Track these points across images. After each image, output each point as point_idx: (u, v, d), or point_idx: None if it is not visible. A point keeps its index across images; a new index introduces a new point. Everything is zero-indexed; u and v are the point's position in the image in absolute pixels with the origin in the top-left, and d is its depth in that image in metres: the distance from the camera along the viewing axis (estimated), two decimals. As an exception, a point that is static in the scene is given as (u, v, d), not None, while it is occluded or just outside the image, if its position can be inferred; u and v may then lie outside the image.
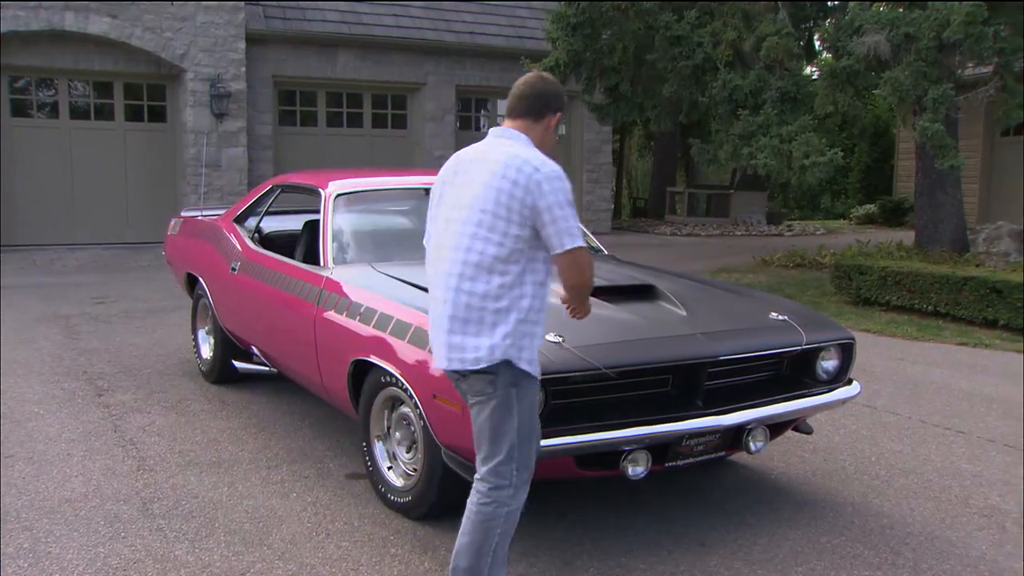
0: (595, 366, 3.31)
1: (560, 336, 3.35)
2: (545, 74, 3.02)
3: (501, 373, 2.76)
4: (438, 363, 2.91)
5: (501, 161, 2.77)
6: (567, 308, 2.97)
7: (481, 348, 2.74)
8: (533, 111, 2.92)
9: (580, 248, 2.77)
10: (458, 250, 2.79)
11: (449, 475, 3.55)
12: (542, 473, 3.07)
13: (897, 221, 18.57)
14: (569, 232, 2.73)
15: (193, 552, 3.54)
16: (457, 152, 3.01)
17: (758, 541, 3.72)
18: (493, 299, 2.74)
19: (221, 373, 5.92)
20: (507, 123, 2.95)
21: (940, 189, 11.29)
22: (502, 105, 17.51)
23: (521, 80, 2.97)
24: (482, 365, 2.74)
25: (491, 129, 2.96)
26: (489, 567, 2.84)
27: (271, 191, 5.84)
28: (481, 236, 2.75)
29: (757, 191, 19.44)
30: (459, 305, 2.77)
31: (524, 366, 2.77)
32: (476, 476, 2.87)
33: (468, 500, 2.88)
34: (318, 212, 4.97)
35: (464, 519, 2.87)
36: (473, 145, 2.97)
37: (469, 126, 17.30)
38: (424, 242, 3.08)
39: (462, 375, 2.84)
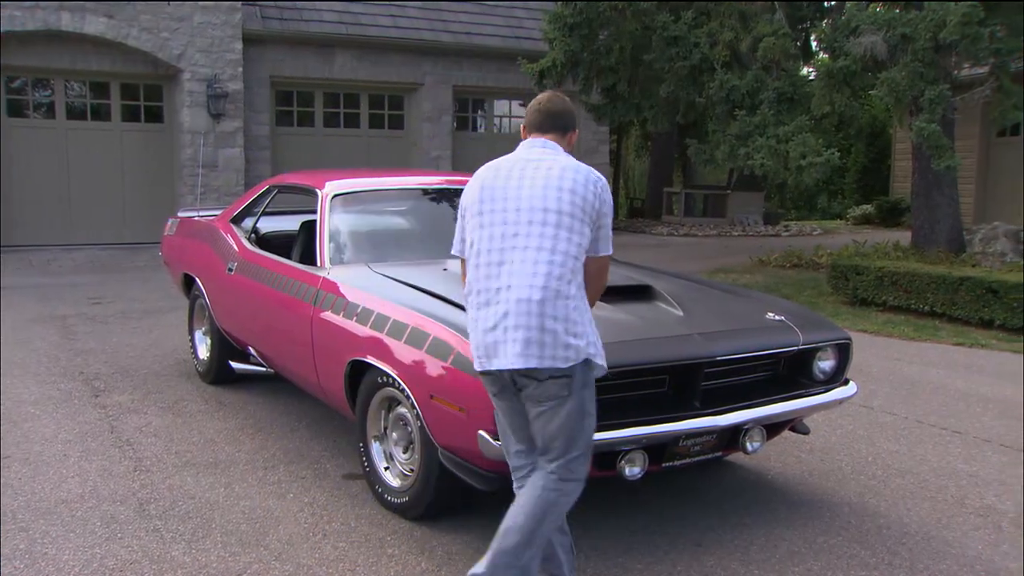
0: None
1: None
2: (559, 93, 3.15)
3: (576, 375, 2.82)
4: (514, 363, 2.78)
5: (571, 167, 2.91)
6: None
7: (570, 348, 2.79)
8: (560, 127, 3.06)
9: (610, 255, 3.01)
10: (541, 250, 2.82)
11: (446, 476, 3.56)
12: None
13: (894, 221, 18.58)
14: (611, 239, 2.98)
15: (190, 553, 3.54)
16: (494, 161, 3.03)
17: (755, 541, 3.73)
18: (572, 298, 2.82)
19: (218, 374, 5.92)
20: (536, 136, 3.04)
21: (936, 189, 11.30)
22: (499, 106, 17.51)
23: (544, 98, 3.09)
24: (571, 363, 2.79)
25: (526, 140, 3.05)
26: (533, 552, 2.87)
27: (268, 191, 5.84)
28: (563, 237, 2.84)
29: (754, 191, 19.46)
30: (548, 303, 2.79)
31: (600, 361, 2.87)
32: (547, 468, 2.90)
33: (531, 483, 2.90)
34: (315, 212, 4.98)
35: (523, 500, 2.89)
36: (511, 155, 3.02)
37: (466, 126, 17.30)
38: (456, 251, 3.06)
39: (536, 380, 2.80)
